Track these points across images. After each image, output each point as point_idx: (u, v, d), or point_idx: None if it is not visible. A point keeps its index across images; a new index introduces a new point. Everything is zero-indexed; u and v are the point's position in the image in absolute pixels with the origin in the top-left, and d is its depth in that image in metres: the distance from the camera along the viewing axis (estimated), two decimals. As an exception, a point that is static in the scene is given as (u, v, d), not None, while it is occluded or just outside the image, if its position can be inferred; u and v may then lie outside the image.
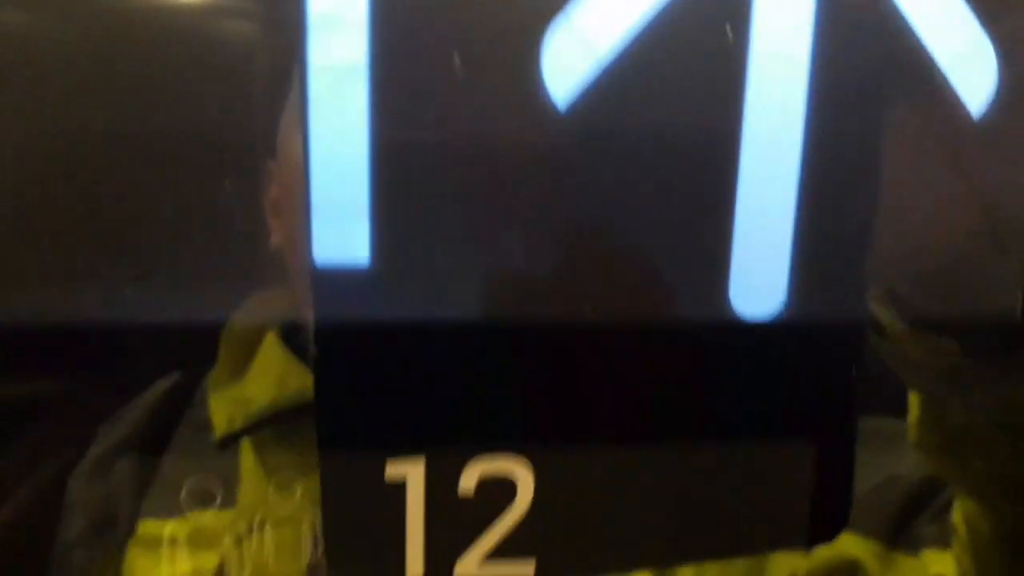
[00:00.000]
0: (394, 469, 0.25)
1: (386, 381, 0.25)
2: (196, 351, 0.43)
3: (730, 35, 0.24)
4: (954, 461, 0.33)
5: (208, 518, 0.40)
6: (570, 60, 0.23)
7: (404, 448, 0.25)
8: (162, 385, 0.45)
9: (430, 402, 0.25)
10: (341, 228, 0.23)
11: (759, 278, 0.25)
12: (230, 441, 0.42)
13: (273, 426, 0.42)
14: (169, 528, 0.40)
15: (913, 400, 0.32)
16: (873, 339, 0.30)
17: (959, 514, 0.34)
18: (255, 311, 0.43)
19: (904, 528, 0.38)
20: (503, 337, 0.25)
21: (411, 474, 0.25)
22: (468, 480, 0.25)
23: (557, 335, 0.26)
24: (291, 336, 0.43)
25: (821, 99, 0.24)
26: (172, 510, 0.40)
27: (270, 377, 0.43)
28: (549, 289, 0.25)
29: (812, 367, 0.27)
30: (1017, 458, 0.32)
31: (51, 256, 0.36)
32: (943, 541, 0.36)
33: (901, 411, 0.33)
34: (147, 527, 0.41)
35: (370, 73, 0.22)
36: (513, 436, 0.26)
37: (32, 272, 0.36)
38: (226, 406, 0.43)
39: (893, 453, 0.37)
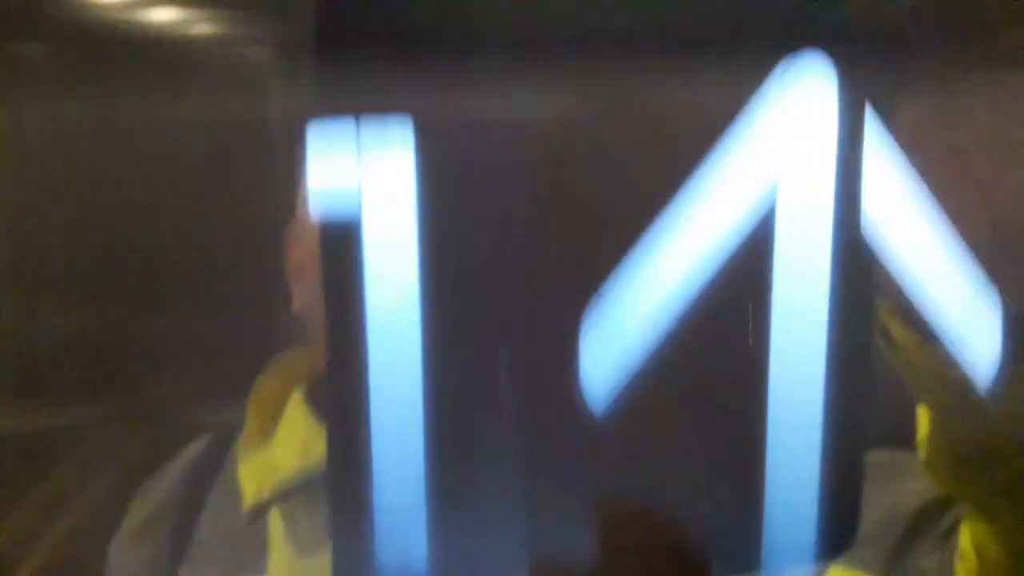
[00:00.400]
0: None
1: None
2: (226, 411, 0.44)
3: (750, 339, 0.25)
4: (965, 477, 0.32)
5: (240, 586, 0.40)
6: (605, 361, 0.24)
7: None
8: (193, 449, 0.45)
9: None
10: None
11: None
12: (259, 511, 0.42)
13: (299, 494, 0.42)
14: (204, 596, 0.41)
15: (923, 416, 0.32)
16: (886, 352, 0.30)
17: (968, 539, 0.33)
18: (281, 371, 0.43)
19: (904, 560, 0.37)
20: None
21: None
22: None
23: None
24: (314, 397, 0.42)
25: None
26: (208, 577, 0.41)
27: (295, 443, 0.43)
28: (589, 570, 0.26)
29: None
30: None
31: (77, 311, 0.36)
32: (945, 571, 0.35)
33: (899, 443, 0.33)
34: (184, 595, 0.41)
35: (424, 394, 0.24)
36: None
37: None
38: (255, 474, 0.43)
39: (894, 483, 0.37)
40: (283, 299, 0.41)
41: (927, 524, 0.37)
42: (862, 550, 0.35)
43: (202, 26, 0.34)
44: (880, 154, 0.23)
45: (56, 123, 0.33)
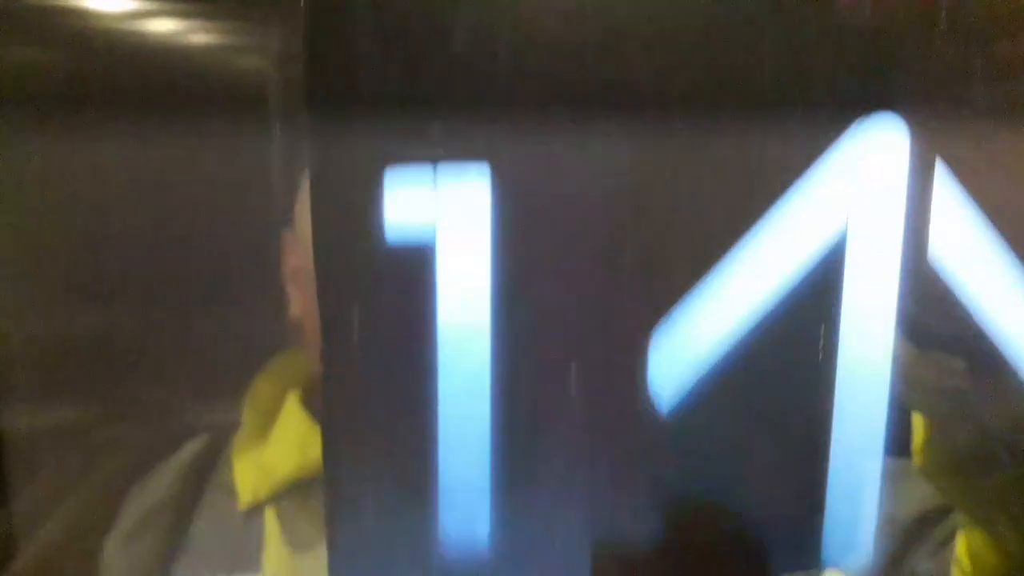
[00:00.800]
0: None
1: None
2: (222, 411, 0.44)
3: (820, 353, 0.26)
4: (959, 484, 0.33)
5: (234, 584, 0.41)
6: (674, 368, 0.26)
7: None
8: (190, 448, 0.45)
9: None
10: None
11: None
12: (255, 510, 0.43)
13: (293, 494, 0.43)
14: (197, 594, 0.41)
15: (919, 423, 0.33)
16: None
17: (963, 547, 0.34)
18: (278, 372, 0.43)
19: (901, 566, 0.38)
20: None
21: None
22: None
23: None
24: (311, 399, 0.43)
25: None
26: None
27: (291, 443, 0.43)
28: (652, 567, 0.27)
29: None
30: (1021, 481, 0.32)
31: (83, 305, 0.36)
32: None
33: (898, 450, 0.33)
34: (177, 593, 0.41)
35: (492, 380, 0.25)
36: None
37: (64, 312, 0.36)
38: (250, 473, 0.43)
39: (892, 491, 0.36)
40: (279, 303, 0.41)
41: (925, 531, 0.38)
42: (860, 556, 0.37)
43: (201, 35, 0.34)
44: (947, 197, 0.24)
45: (55, 127, 0.33)
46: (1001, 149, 0.25)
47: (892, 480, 0.35)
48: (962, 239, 0.25)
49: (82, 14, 0.32)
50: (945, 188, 0.25)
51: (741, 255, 0.25)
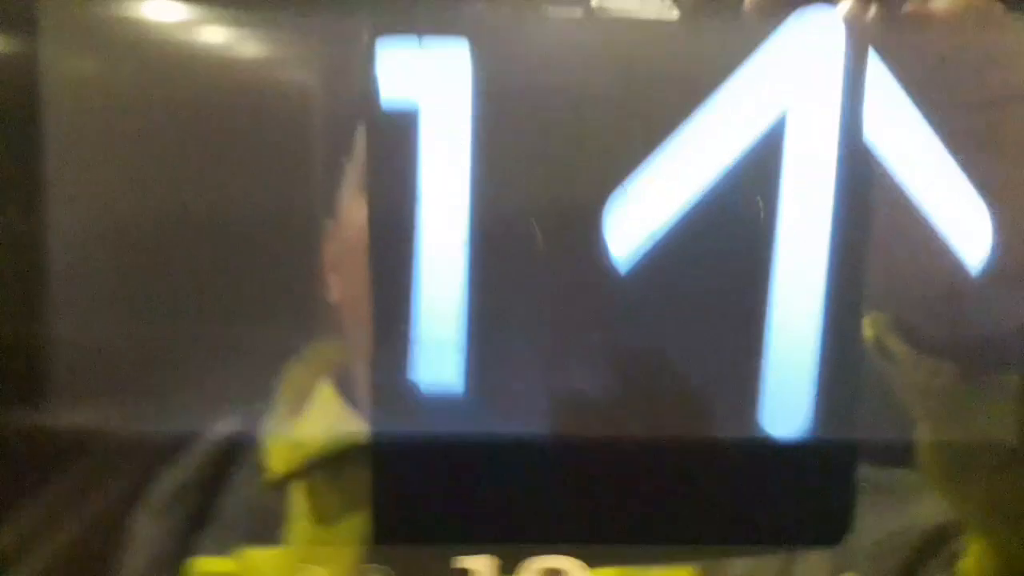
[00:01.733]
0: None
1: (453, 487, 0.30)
2: (255, 394, 0.45)
3: (761, 207, 0.29)
4: (959, 490, 0.34)
5: (258, 556, 0.41)
6: (629, 229, 0.29)
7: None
8: (221, 429, 0.47)
9: (497, 505, 0.30)
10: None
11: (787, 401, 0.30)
12: (283, 483, 0.44)
13: (323, 469, 0.44)
14: (221, 565, 0.42)
15: (921, 429, 0.33)
16: (880, 364, 0.33)
17: (972, 561, 0.34)
18: (312, 359, 0.45)
19: None
20: (563, 450, 0.30)
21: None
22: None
23: (609, 450, 0.30)
24: (344, 385, 0.45)
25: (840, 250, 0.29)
26: (224, 548, 0.42)
27: (323, 423, 0.45)
28: (604, 410, 0.29)
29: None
30: (1019, 485, 0.32)
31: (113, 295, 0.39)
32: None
33: (911, 462, 0.34)
34: (200, 564, 0.42)
35: (469, 245, 0.28)
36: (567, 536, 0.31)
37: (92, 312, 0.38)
38: (281, 449, 0.45)
39: (907, 504, 0.38)
40: (317, 291, 0.43)
41: (936, 546, 0.38)
42: (871, 568, 0.38)
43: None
44: (881, 84, 0.28)
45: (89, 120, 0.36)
46: (931, 39, 0.28)
47: (906, 492, 0.37)
48: (895, 123, 0.29)
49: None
50: (878, 76, 0.28)
51: (690, 131, 0.29)
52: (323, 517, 0.43)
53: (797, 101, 0.29)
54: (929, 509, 0.38)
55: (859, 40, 0.28)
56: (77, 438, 0.41)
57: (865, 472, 0.31)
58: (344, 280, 0.43)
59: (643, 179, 0.29)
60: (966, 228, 0.29)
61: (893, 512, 0.39)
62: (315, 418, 0.46)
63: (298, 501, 0.43)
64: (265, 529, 0.43)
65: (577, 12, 0.31)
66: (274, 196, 0.42)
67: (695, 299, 0.29)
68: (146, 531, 0.45)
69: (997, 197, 0.29)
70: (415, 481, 0.30)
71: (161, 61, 0.32)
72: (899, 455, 0.34)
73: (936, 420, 0.33)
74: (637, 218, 0.29)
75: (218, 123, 0.35)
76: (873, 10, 0.28)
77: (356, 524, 0.41)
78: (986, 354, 0.31)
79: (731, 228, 0.29)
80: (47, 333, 0.37)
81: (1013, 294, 0.31)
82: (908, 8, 0.28)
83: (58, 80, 0.34)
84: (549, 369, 0.29)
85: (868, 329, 0.33)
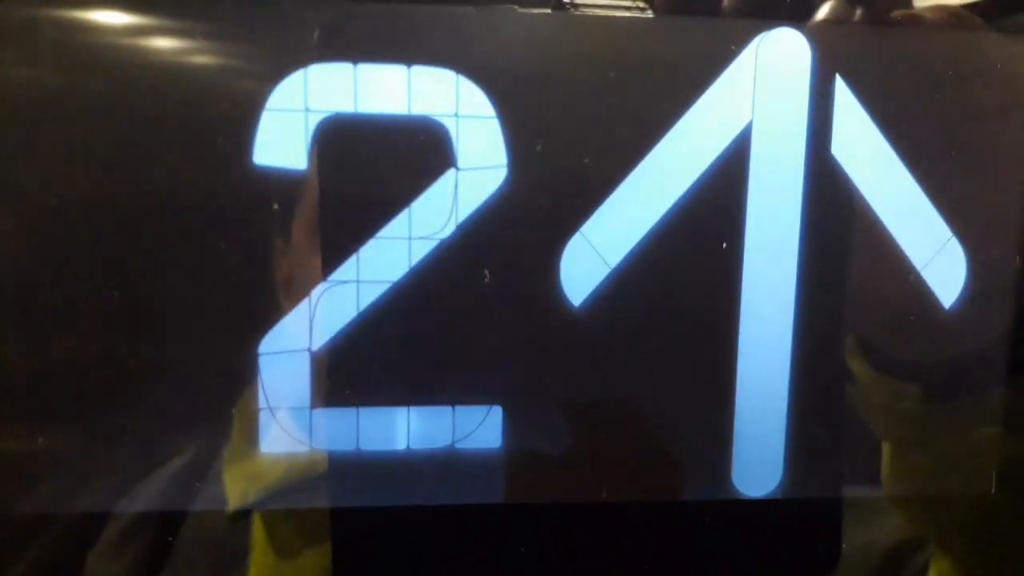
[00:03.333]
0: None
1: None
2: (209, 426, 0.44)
3: (724, 244, 0.28)
4: (922, 511, 0.34)
5: (219, 592, 0.41)
6: (583, 268, 0.28)
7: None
8: (178, 462, 0.45)
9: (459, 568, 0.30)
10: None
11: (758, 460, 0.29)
12: (242, 515, 0.43)
13: (283, 499, 0.43)
14: (181, 603, 0.41)
15: (884, 449, 0.33)
16: (848, 387, 0.32)
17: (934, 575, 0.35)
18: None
19: None
20: (528, 514, 0.28)
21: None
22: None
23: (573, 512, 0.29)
24: None
25: (809, 300, 0.29)
26: (185, 585, 0.41)
27: (280, 453, 0.44)
28: (564, 472, 0.28)
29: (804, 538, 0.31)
30: (980, 507, 0.32)
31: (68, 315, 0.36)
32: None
33: (877, 481, 0.34)
34: (161, 603, 0.41)
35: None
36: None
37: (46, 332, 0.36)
38: (239, 481, 0.44)
39: (869, 520, 0.38)
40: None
41: (901, 561, 0.38)
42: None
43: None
44: (846, 105, 0.27)
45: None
46: (895, 61, 0.27)
47: (870, 510, 0.36)
48: (860, 142, 0.28)
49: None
50: (844, 96, 0.27)
51: (652, 153, 0.27)
52: (284, 551, 0.42)
53: (761, 124, 0.27)
54: (892, 524, 0.37)
55: (826, 62, 0.27)
56: (11, 473, 0.39)
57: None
58: (295, 301, 0.42)
59: (600, 212, 0.27)
60: (932, 253, 0.28)
61: (857, 528, 0.38)
62: (271, 448, 0.45)
63: (258, 533, 0.43)
64: (227, 565, 0.42)
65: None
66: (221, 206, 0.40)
67: (658, 345, 0.28)
68: (102, 571, 0.44)
69: (964, 221, 0.28)
70: (374, 519, 0.29)
71: (93, 63, 0.29)
72: (864, 471, 0.34)
73: (898, 441, 0.33)
74: (594, 247, 0.27)
75: (162, 139, 0.33)
76: (841, 32, 0.26)
77: (318, 557, 0.40)
78: (948, 377, 0.32)
79: (694, 264, 0.28)
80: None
81: (975, 317, 0.30)
82: (893, 15, 0.28)
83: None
84: (506, 429, 0.28)
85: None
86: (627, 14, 0.28)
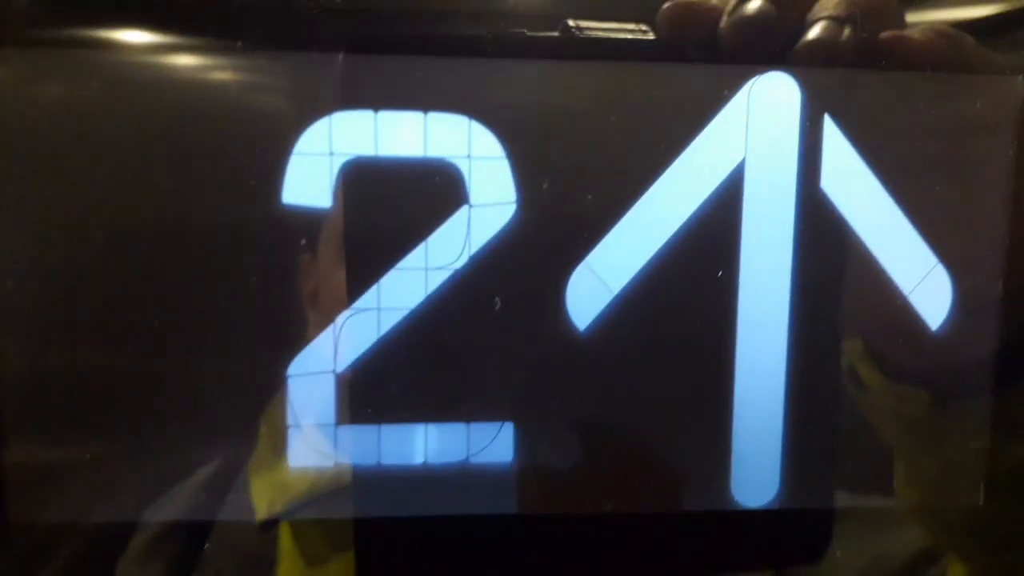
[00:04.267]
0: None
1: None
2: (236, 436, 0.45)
3: (720, 272, 0.30)
4: (933, 516, 0.34)
5: (248, 600, 0.42)
6: (588, 295, 0.30)
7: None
8: (204, 472, 0.47)
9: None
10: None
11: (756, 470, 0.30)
12: (270, 524, 0.44)
13: (310, 508, 0.44)
14: (211, 611, 0.42)
15: (895, 457, 0.34)
16: (853, 391, 0.33)
17: None
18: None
19: None
20: (537, 524, 0.30)
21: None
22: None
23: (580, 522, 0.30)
24: None
25: (802, 330, 0.30)
26: (215, 593, 0.43)
27: (309, 461, 0.45)
28: (572, 484, 0.29)
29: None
30: (990, 511, 0.32)
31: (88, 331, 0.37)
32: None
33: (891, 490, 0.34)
34: (190, 611, 0.42)
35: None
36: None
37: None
38: (267, 491, 0.45)
39: (883, 532, 0.38)
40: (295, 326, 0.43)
41: (916, 573, 0.38)
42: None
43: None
44: (836, 145, 0.29)
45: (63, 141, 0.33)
46: (881, 101, 0.29)
47: (886, 521, 0.37)
48: (850, 180, 0.30)
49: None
50: (834, 137, 0.29)
51: (651, 190, 0.29)
52: (311, 559, 0.44)
53: (753, 161, 0.29)
54: (908, 537, 0.38)
55: (815, 102, 0.29)
56: (42, 483, 0.40)
57: (845, 499, 0.31)
58: (321, 319, 0.43)
59: (603, 243, 0.29)
60: (919, 278, 0.30)
61: (872, 540, 0.39)
62: (298, 458, 0.46)
63: (285, 543, 0.44)
64: (255, 574, 0.43)
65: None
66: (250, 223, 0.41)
67: (659, 365, 0.29)
68: (130, 579, 0.45)
69: (948, 248, 0.29)
70: (397, 527, 0.31)
71: (106, 78, 0.31)
72: (878, 482, 0.34)
73: (908, 447, 0.33)
74: (598, 275, 0.29)
75: (188, 148, 0.35)
76: (829, 74, 0.28)
77: (345, 564, 0.41)
78: (956, 381, 0.32)
79: (692, 290, 0.29)
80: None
81: (981, 323, 0.31)
82: (883, 36, 0.29)
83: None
84: (517, 444, 0.29)
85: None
86: (630, 36, 0.30)
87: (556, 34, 0.30)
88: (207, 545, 0.45)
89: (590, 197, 0.29)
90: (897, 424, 0.33)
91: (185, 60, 0.32)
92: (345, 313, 0.32)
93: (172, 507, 0.45)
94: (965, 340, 0.31)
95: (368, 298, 0.31)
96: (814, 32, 0.28)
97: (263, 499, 0.45)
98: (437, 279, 0.30)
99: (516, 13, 0.31)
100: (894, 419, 0.33)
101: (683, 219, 0.29)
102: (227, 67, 0.30)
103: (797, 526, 0.31)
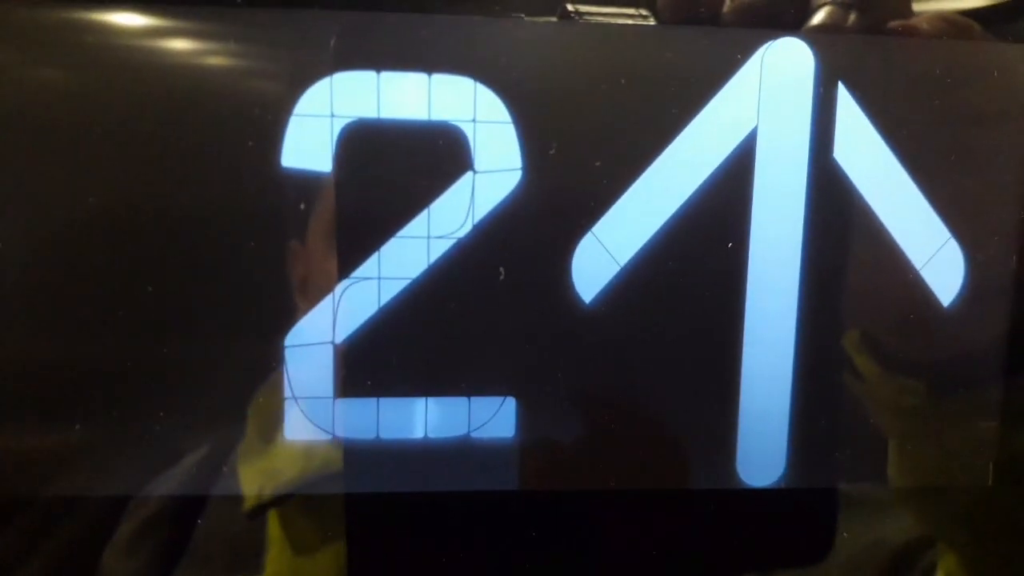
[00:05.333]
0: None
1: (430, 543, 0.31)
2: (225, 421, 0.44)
3: (730, 244, 0.29)
4: (928, 506, 0.34)
5: (236, 588, 0.41)
6: (594, 267, 0.29)
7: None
8: (191, 459, 0.46)
9: (469, 552, 0.30)
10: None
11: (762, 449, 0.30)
12: (259, 511, 0.43)
13: (299, 496, 0.43)
14: (198, 598, 0.41)
15: (890, 445, 0.34)
16: (850, 382, 0.32)
17: (942, 573, 0.35)
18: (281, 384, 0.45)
19: None
20: (540, 501, 0.29)
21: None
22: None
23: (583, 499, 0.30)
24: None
25: (812, 305, 0.30)
26: (202, 581, 0.42)
27: (297, 449, 0.44)
28: (576, 459, 0.29)
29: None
30: (980, 500, 0.32)
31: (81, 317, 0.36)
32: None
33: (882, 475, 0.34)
34: (177, 599, 0.42)
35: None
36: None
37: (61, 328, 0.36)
38: (256, 477, 0.44)
39: (878, 519, 0.38)
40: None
41: (910, 560, 0.38)
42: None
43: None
44: (849, 112, 0.28)
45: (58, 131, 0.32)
46: (895, 68, 0.28)
47: (880, 508, 0.37)
48: (865, 150, 0.29)
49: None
50: (848, 106, 0.28)
51: (660, 158, 0.28)
52: (300, 547, 0.43)
53: (766, 129, 0.29)
54: (902, 523, 0.38)
55: (828, 69, 0.28)
56: (28, 468, 0.39)
57: (848, 482, 0.31)
58: (310, 304, 0.43)
59: (610, 213, 0.29)
60: (931, 253, 0.29)
61: (867, 527, 0.39)
62: (288, 444, 0.45)
63: (274, 531, 0.43)
64: (244, 561, 0.43)
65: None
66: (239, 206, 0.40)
67: (665, 340, 0.29)
68: (117, 569, 0.44)
69: (962, 222, 0.29)
70: (391, 505, 0.30)
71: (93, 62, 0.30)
72: (872, 470, 0.34)
73: (905, 437, 0.33)
74: (605, 245, 0.28)
75: (176, 130, 0.34)
76: (843, 41, 0.28)
77: (334, 554, 0.41)
78: (954, 372, 0.32)
79: (700, 263, 0.29)
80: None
81: (981, 313, 0.31)
82: (890, 25, 0.28)
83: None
84: (518, 418, 0.29)
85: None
86: (630, 22, 0.29)
87: (554, 19, 0.29)
88: (194, 532, 0.44)
89: (598, 164, 0.28)
90: (895, 415, 0.33)
91: (181, 24, 0.31)
92: (344, 282, 0.31)
93: (160, 496, 0.45)
94: (971, 324, 0.31)
95: (368, 267, 0.30)
96: (819, 17, 0.28)
97: (252, 485, 0.44)
98: (440, 248, 0.29)
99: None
100: (892, 410, 0.33)
101: (692, 189, 0.29)
102: (227, 27, 0.29)
103: (803, 508, 0.31)
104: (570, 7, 0.30)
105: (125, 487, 0.45)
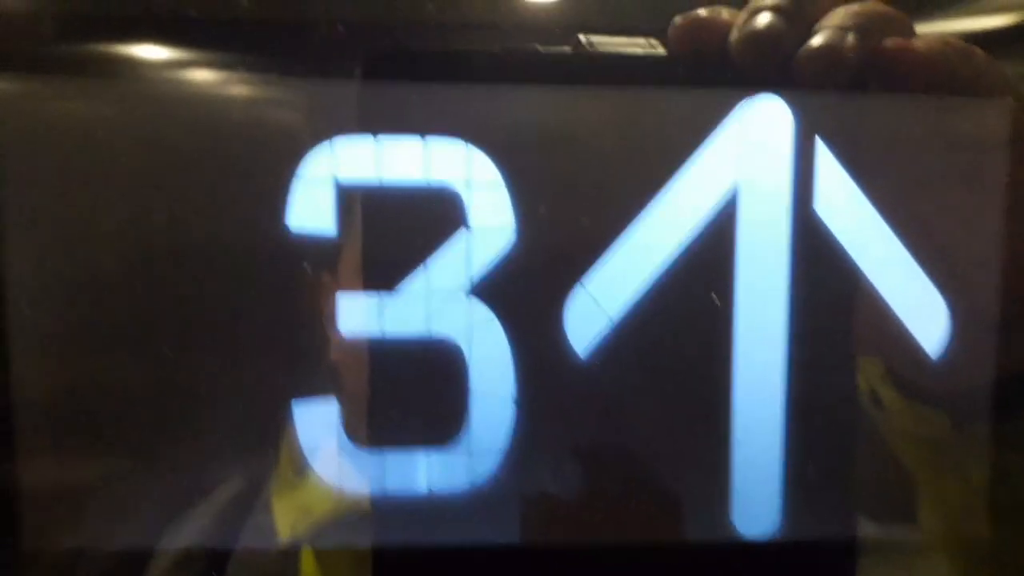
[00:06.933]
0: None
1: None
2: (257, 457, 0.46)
3: (716, 300, 0.30)
4: (957, 541, 0.34)
5: (269, 623, 0.43)
6: (586, 320, 0.30)
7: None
8: (225, 491, 0.47)
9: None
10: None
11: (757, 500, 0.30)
12: (293, 548, 0.45)
13: (331, 532, 0.45)
14: (232, 634, 0.43)
15: (916, 479, 0.33)
16: (874, 414, 0.32)
17: None
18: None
19: None
20: (538, 557, 0.30)
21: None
22: None
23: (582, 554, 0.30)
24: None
25: (799, 356, 0.30)
26: (237, 616, 0.43)
27: (327, 486, 0.46)
28: (575, 513, 0.30)
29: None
30: (1011, 538, 0.32)
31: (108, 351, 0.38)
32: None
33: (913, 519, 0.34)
34: (211, 634, 0.43)
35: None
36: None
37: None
38: (289, 513, 0.46)
39: (913, 562, 0.37)
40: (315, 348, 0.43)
41: None
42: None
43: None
44: (828, 167, 0.29)
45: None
46: (873, 123, 0.29)
47: (912, 549, 0.36)
48: (843, 202, 0.30)
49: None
50: (826, 159, 0.29)
51: (646, 214, 0.29)
52: (334, 580, 0.44)
53: (747, 183, 0.29)
54: (936, 566, 0.37)
55: (807, 125, 0.29)
56: (59, 508, 0.41)
57: (868, 530, 0.31)
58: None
59: (602, 268, 0.29)
60: (914, 302, 0.29)
61: (899, 571, 0.38)
62: (319, 480, 0.46)
63: (307, 566, 0.44)
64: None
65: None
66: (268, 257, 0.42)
67: (657, 392, 0.29)
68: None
69: (943, 271, 0.29)
70: (416, 547, 0.31)
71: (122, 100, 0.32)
72: (902, 511, 0.34)
73: (929, 470, 0.33)
74: (596, 301, 0.29)
75: (205, 163, 0.35)
76: (820, 97, 0.28)
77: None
78: (977, 403, 0.31)
79: (689, 316, 0.29)
80: (19, 390, 0.37)
81: (1000, 345, 0.30)
82: (889, 44, 0.28)
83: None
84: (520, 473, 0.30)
85: (860, 379, 0.33)
86: (640, 51, 0.30)
87: (568, 50, 0.31)
88: (227, 566, 0.46)
89: (586, 222, 0.29)
90: (918, 447, 0.33)
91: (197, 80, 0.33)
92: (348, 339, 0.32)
93: (194, 528, 0.46)
94: (968, 364, 0.31)
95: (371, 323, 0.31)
96: (818, 40, 0.28)
97: (286, 520, 0.45)
98: (440, 303, 0.30)
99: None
100: (914, 442, 0.32)
101: (678, 244, 0.29)
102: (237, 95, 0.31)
103: (802, 559, 0.31)
104: (583, 38, 0.31)
105: (158, 525, 0.46)
